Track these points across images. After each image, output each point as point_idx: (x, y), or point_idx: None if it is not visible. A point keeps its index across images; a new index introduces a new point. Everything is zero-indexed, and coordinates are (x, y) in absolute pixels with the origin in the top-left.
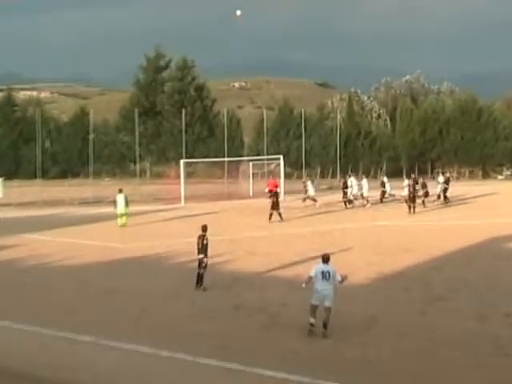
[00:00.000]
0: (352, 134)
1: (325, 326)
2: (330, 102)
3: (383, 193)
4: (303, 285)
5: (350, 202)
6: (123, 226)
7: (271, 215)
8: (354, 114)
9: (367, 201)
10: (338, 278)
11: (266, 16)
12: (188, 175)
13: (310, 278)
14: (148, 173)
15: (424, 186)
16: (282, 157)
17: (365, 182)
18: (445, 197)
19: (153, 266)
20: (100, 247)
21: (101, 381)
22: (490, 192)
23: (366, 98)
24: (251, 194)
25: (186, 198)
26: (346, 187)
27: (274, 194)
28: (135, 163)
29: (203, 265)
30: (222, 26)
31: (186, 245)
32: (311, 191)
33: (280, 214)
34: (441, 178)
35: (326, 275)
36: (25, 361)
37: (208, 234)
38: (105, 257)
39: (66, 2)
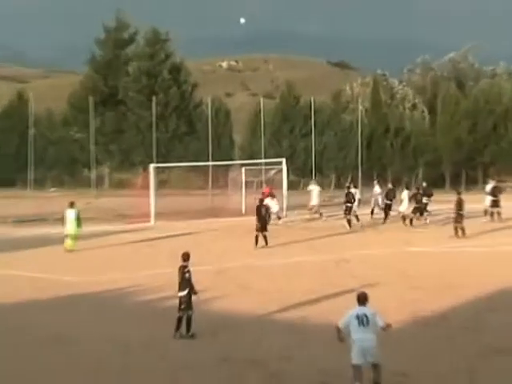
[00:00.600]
0: (378, 130)
1: None
2: (348, 88)
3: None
4: (340, 340)
5: (349, 220)
6: (71, 250)
7: (256, 238)
8: (381, 103)
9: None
10: (380, 322)
11: None
12: (160, 184)
13: (339, 330)
14: (107, 181)
15: (427, 195)
16: (284, 160)
17: (405, 194)
18: (492, 213)
19: (113, 305)
20: (42, 280)
21: None
22: None
23: (396, 82)
24: (243, 209)
25: (158, 215)
26: (350, 201)
27: (258, 207)
28: (90, 169)
29: (183, 306)
30: None
31: (158, 277)
32: (314, 200)
33: (265, 237)
34: (489, 187)
35: (362, 320)
36: None
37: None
38: (48, 293)
39: None
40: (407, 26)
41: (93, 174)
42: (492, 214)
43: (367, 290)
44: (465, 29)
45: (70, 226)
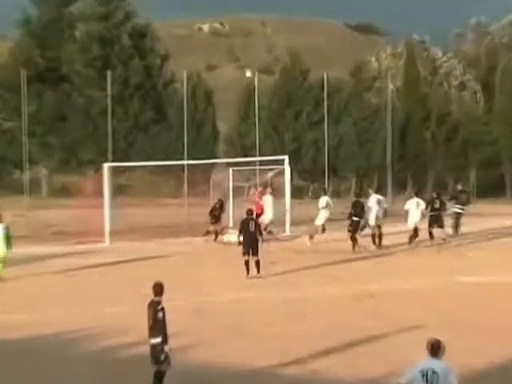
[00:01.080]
0: (414, 117)
1: None
2: (374, 60)
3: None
4: None
5: (355, 240)
6: None
7: (247, 263)
8: (419, 81)
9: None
10: (454, 382)
11: None
12: (119, 190)
13: None
14: (45, 187)
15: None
16: (287, 159)
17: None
18: None
19: (55, 356)
20: None
21: None
22: None
23: (439, 52)
24: (231, 224)
25: (115, 234)
26: (359, 214)
27: (245, 222)
28: (22, 169)
29: (162, 357)
30: None
31: (115, 317)
32: (320, 219)
33: (257, 263)
34: None
35: (429, 377)
36: None
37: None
38: None
39: None
40: None
41: (26, 177)
42: None
43: (403, 336)
44: None
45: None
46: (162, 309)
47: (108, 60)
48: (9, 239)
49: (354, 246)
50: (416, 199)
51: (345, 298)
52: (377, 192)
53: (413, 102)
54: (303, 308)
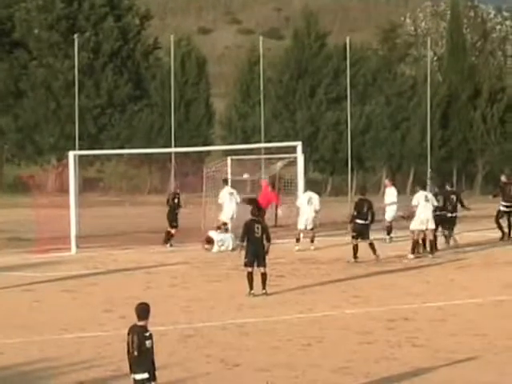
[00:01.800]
0: (461, 93)
1: None
2: (409, 21)
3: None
4: None
5: (356, 247)
6: None
7: (250, 276)
8: (466, 47)
9: None
10: None
11: None
12: (89, 186)
13: None
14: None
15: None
16: (300, 145)
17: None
18: None
19: None
20: None
21: None
22: None
23: (492, 11)
24: (229, 227)
25: (83, 239)
26: (364, 216)
27: (249, 224)
28: None
29: None
30: None
31: (82, 346)
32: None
33: (263, 277)
34: None
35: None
36: None
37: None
38: None
39: None
40: None
41: None
42: None
43: (436, 371)
44: None
45: None
46: (150, 336)
47: (75, 21)
48: None
49: (354, 255)
50: (422, 194)
51: (373, 319)
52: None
53: (458, 75)
54: (319, 332)
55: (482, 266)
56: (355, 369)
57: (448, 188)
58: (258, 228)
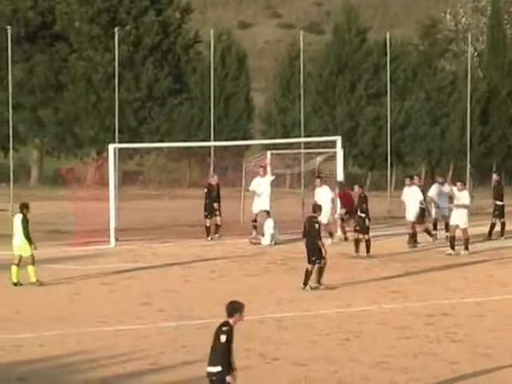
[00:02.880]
0: (501, 89)
1: None
2: (450, 17)
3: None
4: None
5: (358, 242)
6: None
7: (309, 274)
8: (507, 43)
9: None
10: None
11: None
12: (127, 179)
13: None
14: (35, 172)
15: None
16: (339, 140)
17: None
18: None
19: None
20: None
21: None
22: None
23: None
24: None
25: (122, 232)
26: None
27: (310, 222)
28: (6, 151)
29: None
30: None
31: (120, 339)
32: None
33: (320, 271)
34: None
35: None
36: None
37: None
38: None
39: None
40: None
41: (10, 160)
42: None
43: (475, 366)
44: None
45: (18, 241)
46: (227, 331)
47: (115, 14)
48: (27, 231)
49: (356, 249)
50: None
51: (409, 315)
52: (443, 181)
53: (498, 71)
54: (358, 326)
55: None
56: (393, 364)
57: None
58: (316, 225)
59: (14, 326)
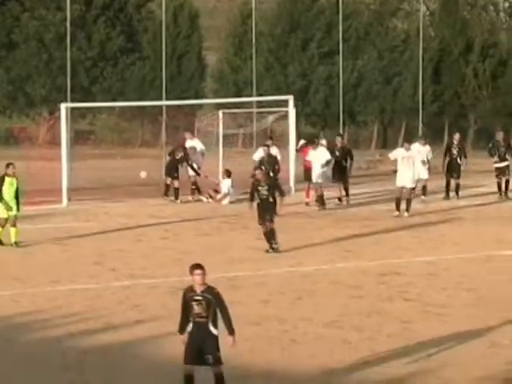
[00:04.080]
0: (453, 48)
1: None
2: None
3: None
4: None
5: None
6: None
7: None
8: (457, 1)
9: None
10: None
11: None
12: (80, 138)
13: None
14: None
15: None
16: (291, 99)
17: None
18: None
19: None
20: None
21: None
22: None
23: None
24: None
25: (74, 192)
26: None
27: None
28: None
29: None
30: None
31: (73, 298)
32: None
33: (271, 233)
34: None
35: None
36: None
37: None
38: None
39: None
40: None
41: None
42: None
43: (427, 325)
44: None
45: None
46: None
47: None
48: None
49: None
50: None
51: (362, 274)
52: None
53: (450, 30)
54: (310, 287)
55: (473, 221)
56: (346, 323)
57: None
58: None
59: None
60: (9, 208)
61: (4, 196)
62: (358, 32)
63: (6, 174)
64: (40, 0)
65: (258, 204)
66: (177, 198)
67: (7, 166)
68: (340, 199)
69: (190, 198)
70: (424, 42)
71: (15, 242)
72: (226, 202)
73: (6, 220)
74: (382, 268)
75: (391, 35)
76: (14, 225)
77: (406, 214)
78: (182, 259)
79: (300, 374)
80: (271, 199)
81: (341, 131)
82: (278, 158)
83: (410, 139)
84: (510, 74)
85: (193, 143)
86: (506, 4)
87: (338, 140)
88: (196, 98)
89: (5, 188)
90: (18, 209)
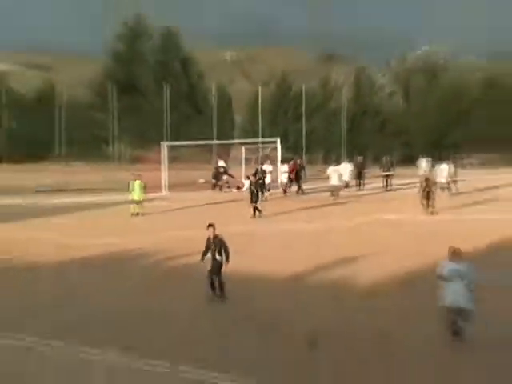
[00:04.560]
0: (359, 114)
1: None
2: (334, 79)
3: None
4: None
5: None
6: (136, 213)
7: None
8: (363, 91)
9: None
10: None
11: None
12: (171, 160)
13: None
14: (122, 155)
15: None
16: (278, 140)
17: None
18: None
19: (125, 264)
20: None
21: None
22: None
23: (377, 72)
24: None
25: (169, 187)
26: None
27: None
28: (109, 144)
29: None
30: None
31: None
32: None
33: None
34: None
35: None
36: None
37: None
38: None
39: None
40: (388, 20)
41: (113, 150)
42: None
43: (341, 255)
44: (439, 24)
45: (136, 194)
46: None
47: (165, 78)
48: (143, 189)
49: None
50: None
51: (311, 232)
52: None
53: (358, 105)
54: (287, 238)
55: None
56: (298, 248)
57: None
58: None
59: (126, 234)
60: (138, 196)
61: (135, 189)
62: (313, 105)
63: (135, 178)
64: (152, 89)
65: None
66: (221, 190)
67: (132, 174)
68: (297, 191)
69: (226, 189)
70: (345, 112)
71: (141, 213)
72: (244, 189)
73: (138, 201)
74: (321, 226)
75: (330, 107)
76: (140, 204)
77: (332, 198)
78: (223, 213)
79: (273, 277)
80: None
81: (303, 156)
82: (270, 169)
83: (338, 161)
84: (390, 129)
85: (221, 163)
86: (389, 91)
87: (299, 160)
88: (230, 139)
89: (135, 185)
90: (142, 196)
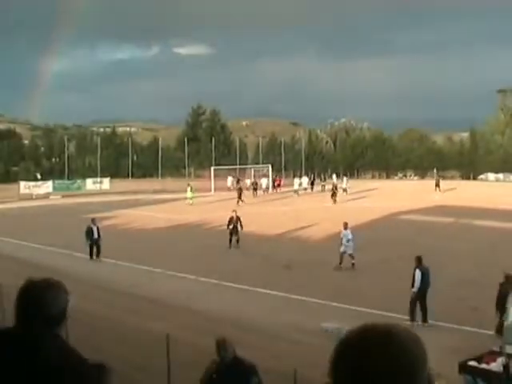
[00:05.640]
0: (311, 153)
1: None
2: (298, 135)
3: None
4: None
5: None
6: (192, 204)
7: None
8: (312, 141)
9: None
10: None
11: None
12: (216, 176)
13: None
14: (192, 174)
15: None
16: (270, 165)
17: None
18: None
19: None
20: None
21: None
22: (376, 187)
23: (319, 131)
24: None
25: (215, 189)
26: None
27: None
28: (185, 168)
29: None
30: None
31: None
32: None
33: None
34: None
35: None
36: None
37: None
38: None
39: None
40: (323, 106)
41: (186, 171)
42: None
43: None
44: (350, 106)
45: (188, 193)
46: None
47: (213, 134)
48: (193, 191)
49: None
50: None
51: (280, 212)
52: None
53: (311, 148)
54: (271, 215)
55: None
56: (277, 224)
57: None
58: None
59: (206, 213)
60: (189, 194)
61: (187, 190)
62: (287, 149)
63: (188, 185)
64: (206, 141)
65: None
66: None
67: (188, 184)
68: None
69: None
70: (304, 152)
71: (192, 204)
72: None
73: (190, 198)
74: (289, 209)
75: (296, 149)
76: (191, 199)
77: (296, 195)
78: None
79: (267, 234)
80: None
81: (283, 173)
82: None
83: (300, 176)
84: (326, 160)
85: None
86: (326, 141)
87: (279, 176)
88: (246, 165)
89: (188, 188)
90: (191, 194)
